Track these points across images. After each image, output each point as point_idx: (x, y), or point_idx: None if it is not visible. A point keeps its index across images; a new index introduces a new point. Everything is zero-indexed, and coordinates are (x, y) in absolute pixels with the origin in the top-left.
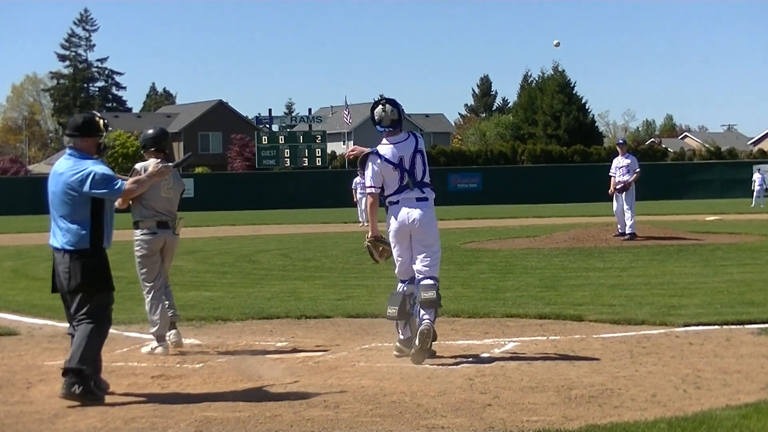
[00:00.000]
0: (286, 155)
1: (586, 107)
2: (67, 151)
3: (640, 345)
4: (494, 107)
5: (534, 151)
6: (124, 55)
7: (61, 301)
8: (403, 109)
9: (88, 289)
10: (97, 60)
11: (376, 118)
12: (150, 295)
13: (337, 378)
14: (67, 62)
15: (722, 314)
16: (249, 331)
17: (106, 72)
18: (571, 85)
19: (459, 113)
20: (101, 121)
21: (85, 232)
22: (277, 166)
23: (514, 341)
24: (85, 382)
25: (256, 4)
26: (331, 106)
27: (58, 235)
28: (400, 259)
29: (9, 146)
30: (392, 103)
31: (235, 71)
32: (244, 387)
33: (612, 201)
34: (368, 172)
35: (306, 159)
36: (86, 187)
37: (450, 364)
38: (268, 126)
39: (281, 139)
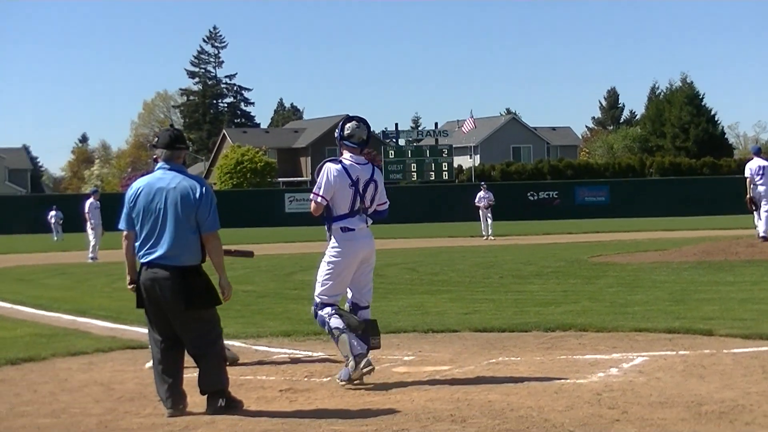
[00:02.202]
0: (412, 169)
1: (716, 119)
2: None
3: None
4: (621, 119)
5: (662, 163)
6: (252, 71)
7: (156, 318)
8: (371, 135)
9: (210, 305)
10: (226, 76)
11: (346, 132)
12: None
13: (464, 392)
14: (197, 79)
15: None
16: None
17: (235, 88)
18: (700, 97)
19: (586, 126)
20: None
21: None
22: (404, 180)
23: (643, 356)
24: (227, 395)
25: (383, 19)
26: (458, 120)
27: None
28: (337, 283)
29: (140, 162)
30: (365, 122)
31: (361, 86)
32: (372, 400)
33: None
34: (322, 179)
35: (433, 173)
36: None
37: (578, 379)
38: (394, 140)
39: (408, 153)
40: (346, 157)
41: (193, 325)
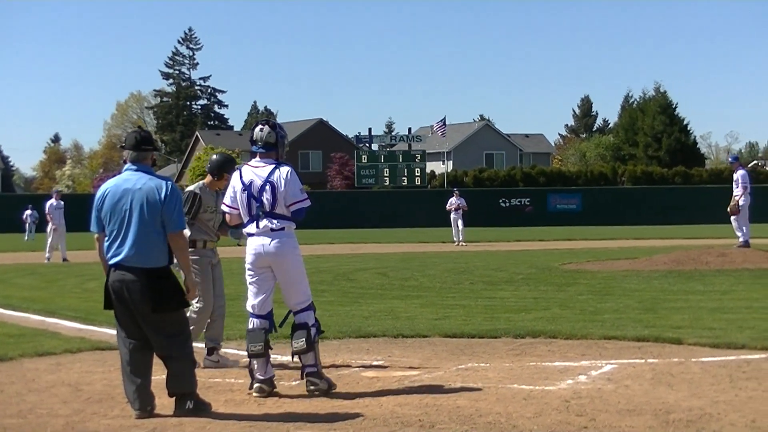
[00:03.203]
0: (385, 174)
1: (688, 129)
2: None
3: (741, 369)
4: (594, 128)
5: (634, 172)
6: (227, 74)
7: (125, 319)
8: (283, 137)
9: (179, 306)
10: (200, 78)
11: (252, 137)
12: None
13: (433, 398)
14: (171, 80)
15: None
16: (346, 349)
17: (209, 90)
18: (673, 107)
19: (559, 134)
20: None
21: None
22: (377, 184)
23: (612, 363)
24: (196, 397)
25: (357, 23)
26: (431, 126)
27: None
28: (253, 292)
29: (113, 163)
30: (273, 126)
31: (335, 90)
32: (340, 404)
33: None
34: (229, 190)
35: (405, 178)
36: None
37: (546, 386)
38: (367, 145)
39: (381, 158)
40: (251, 161)
41: (162, 327)
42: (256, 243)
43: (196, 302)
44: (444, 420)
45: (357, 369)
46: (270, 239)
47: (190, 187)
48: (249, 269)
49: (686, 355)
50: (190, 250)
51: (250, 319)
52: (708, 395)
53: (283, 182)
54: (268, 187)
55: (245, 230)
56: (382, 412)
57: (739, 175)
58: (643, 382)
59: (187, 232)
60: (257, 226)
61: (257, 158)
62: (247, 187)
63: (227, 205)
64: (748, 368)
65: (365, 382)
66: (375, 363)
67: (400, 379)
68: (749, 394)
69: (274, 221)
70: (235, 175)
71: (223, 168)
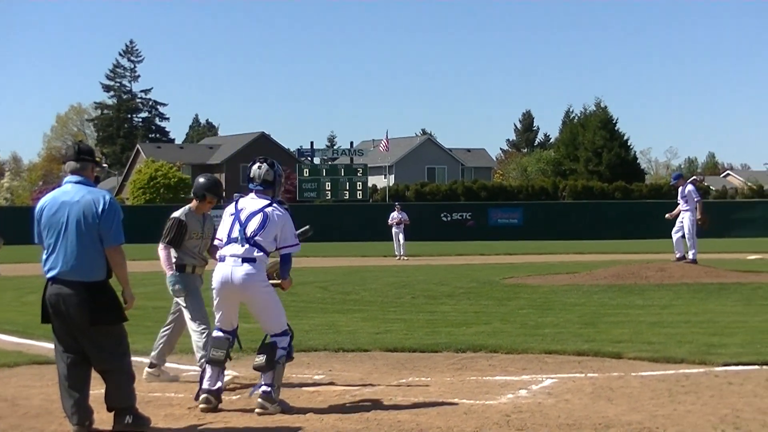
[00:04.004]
0: (327, 188)
1: (629, 144)
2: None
3: (680, 384)
4: (536, 142)
5: (575, 186)
6: (168, 87)
7: (62, 333)
8: (280, 175)
9: (117, 321)
10: (142, 91)
11: (250, 174)
12: None
13: (374, 412)
14: (112, 93)
15: (763, 354)
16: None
17: (150, 103)
18: (614, 122)
19: (501, 148)
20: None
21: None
22: (318, 198)
23: (552, 378)
24: (135, 411)
25: (299, 37)
26: (373, 140)
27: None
28: (218, 313)
29: (53, 175)
30: (271, 165)
31: (277, 104)
32: (281, 419)
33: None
34: (222, 221)
35: (347, 192)
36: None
37: (487, 400)
38: (309, 158)
39: (323, 172)
40: (248, 195)
41: (100, 341)
42: (224, 270)
43: (196, 327)
44: None
45: (298, 383)
46: (238, 269)
47: (176, 213)
48: (214, 295)
49: (626, 369)
50: (178, 274)
51: (215, 331)
52: (647, 409)
53: (281, 221)
54: (260, 216)
55: (218, 253)
56: (323, 426)
57: (690, 190)
58: (583, 397)
59: (173, 254)
60: (230, 250)
61: (253, 194)
62: (236, 213)
63: (218, 238)
64: (687, 382)
65: (306, 396)
66: (316, 377)
67: (341, 393)
68: (688, 408)
69: (250, 248)
70: (231, 204)
71: (209, 191)
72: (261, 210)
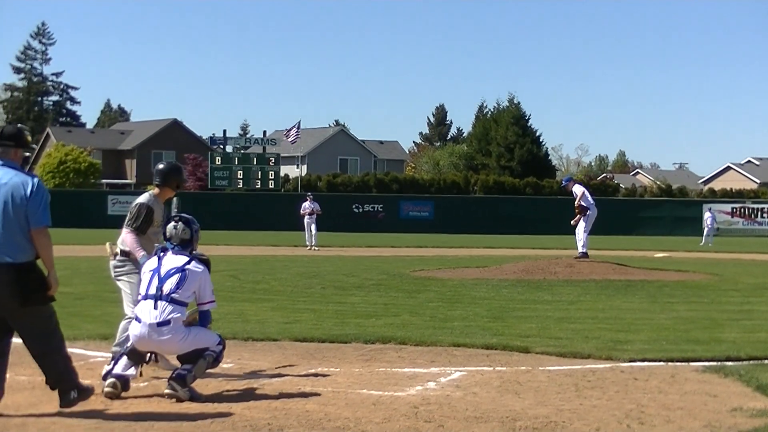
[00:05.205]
0: (239, 176)
1: (540, 140)
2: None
3: (586, 379)
4: (449, 136)
5: (486, 181)
6: (80, 70)
7: None
8: (197, 231)
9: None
10: (53, 74)
11: (166, 234)
12: None
13: (282, 402)
14: (22, 75)
15: (667, 351)
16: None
17: (61, 86)
18: (526, 118)
19: (414, 141)
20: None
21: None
22: (230, 187)
23: (461, 371)
24: (78, 385)
25: (212, 24)
26: (286, 130)
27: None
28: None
29: None
30: (186, 223)
31: (190, 91)
32: (189, 407)
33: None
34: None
35: (259, 181)
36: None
37: (395, 392)
38: (222, 147)
39: (235, 161)
40: (168, 253)
41: (31, 322)
42: (140, 332)
43: (132, 313)
44: (293, 424)
45: (206, 373)
46: (153, 334)
47: (141, 199)
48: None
49: (533, 363)
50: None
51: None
52: (554, 403)
53: (199, 278)
54: (179, 275)
55: (134, 310)
56: (231, 413)
57: (574, 190)
58: (491, 390)
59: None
60: (145, 314)
61: (170, 253)
62: (157, 268)
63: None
64: (593, 377)
65: (214, 385)
66: (225, 366)
67: (249, 383)
68: (594, 402)
69: (168, 308)
70: (154, 259)
71: (170, 176)
72: (181, 268)
